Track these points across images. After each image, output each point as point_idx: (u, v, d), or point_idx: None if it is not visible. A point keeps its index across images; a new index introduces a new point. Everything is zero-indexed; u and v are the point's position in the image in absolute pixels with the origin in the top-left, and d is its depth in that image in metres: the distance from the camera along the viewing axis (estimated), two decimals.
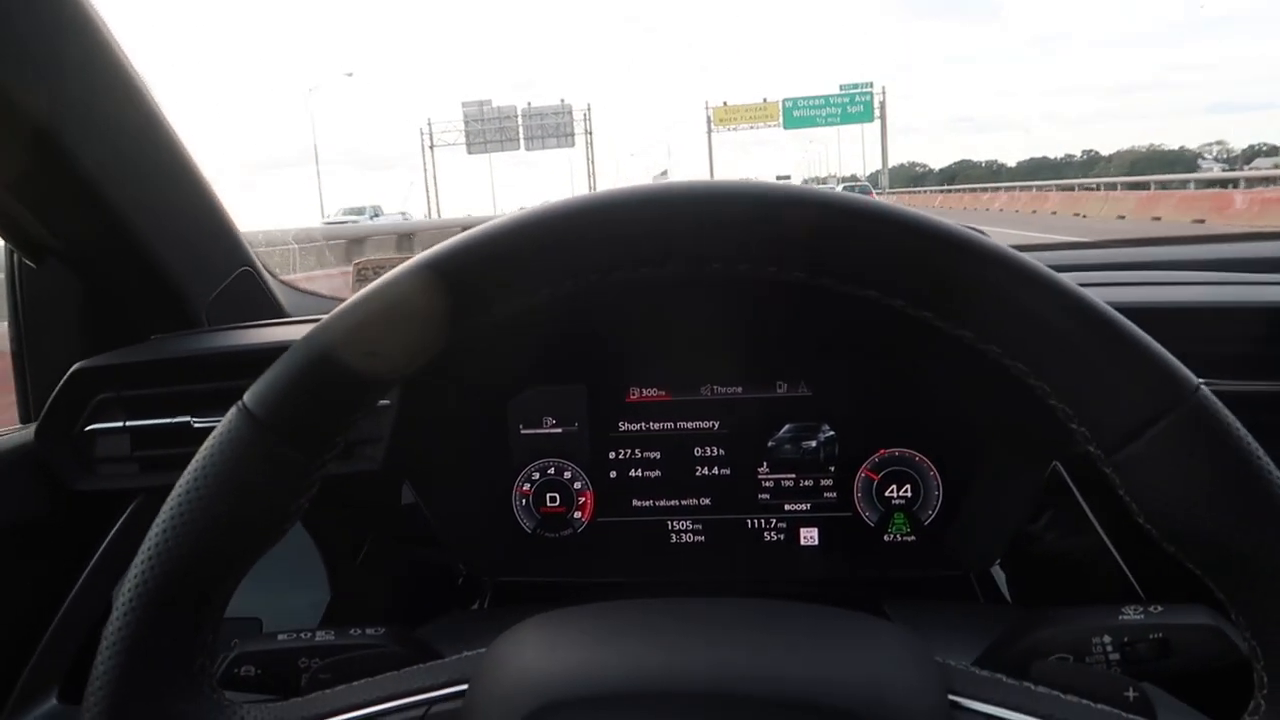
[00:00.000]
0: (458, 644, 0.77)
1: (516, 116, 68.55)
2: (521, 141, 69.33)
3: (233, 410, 0.49)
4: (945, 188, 62.69)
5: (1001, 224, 21.86)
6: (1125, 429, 0.41)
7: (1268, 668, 0.39)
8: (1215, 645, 0.56)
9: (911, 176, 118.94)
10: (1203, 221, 18.11)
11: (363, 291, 0.50)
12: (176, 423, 0.89)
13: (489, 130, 68.73)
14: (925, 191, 61.97)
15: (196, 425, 0.88)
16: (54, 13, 0.83)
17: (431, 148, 71.95)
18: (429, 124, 72.96)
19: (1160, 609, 0.58)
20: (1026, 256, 0.45)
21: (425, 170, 71.99)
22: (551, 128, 68.52)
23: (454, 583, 1.03)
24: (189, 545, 0.47)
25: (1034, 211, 29.22)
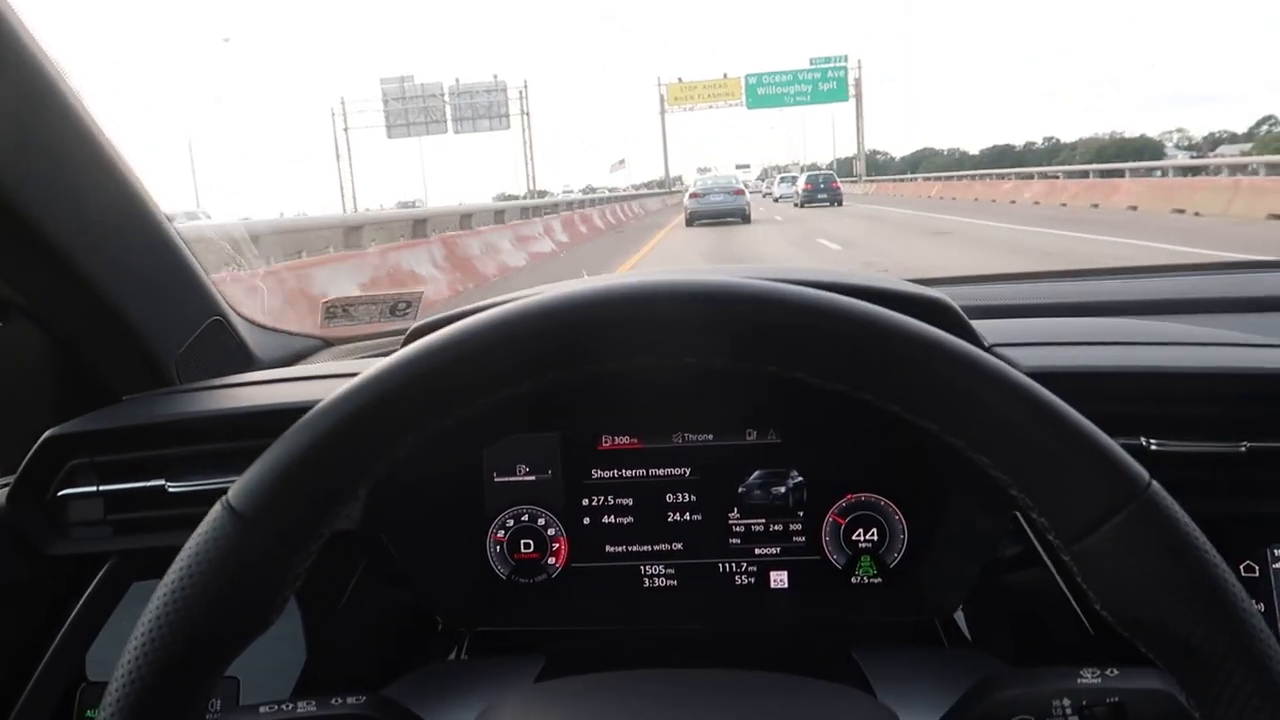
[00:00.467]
0: (438, 702, 0.78)
1: (443, 95, 61.78)
2: (449, 123, 62.63)
3: (217, 506, 0.50)
4: (907, 176, 61.61)
5: (988, 216, 21.59)
6: (1081, 523, 0.44)
7: None
8: (1169, 710, 0.59)
9: (873, 165, 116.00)
10: (1183, 212, 17.89)
11: (344, 388, 0.51)
12: (151, 486, 0.89)
13: (412, 111, 62.03)
14: (910, 179, 59.05)
15: (171, 490, 0.88)
16: (9, 66, 0.83)
17: (345, 130, 66.71)
18: (342, 104, 67.25)
19: (1117, 672, 0.61)
20: (985, 355, 0.48)
21: (339, 157, 66.74)
22: (483, 107, 61.80)
23: (431, 633, 1.04)
24: (176, 641, 0.48)
25: (1013, 202, 28.14)
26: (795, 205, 39.35)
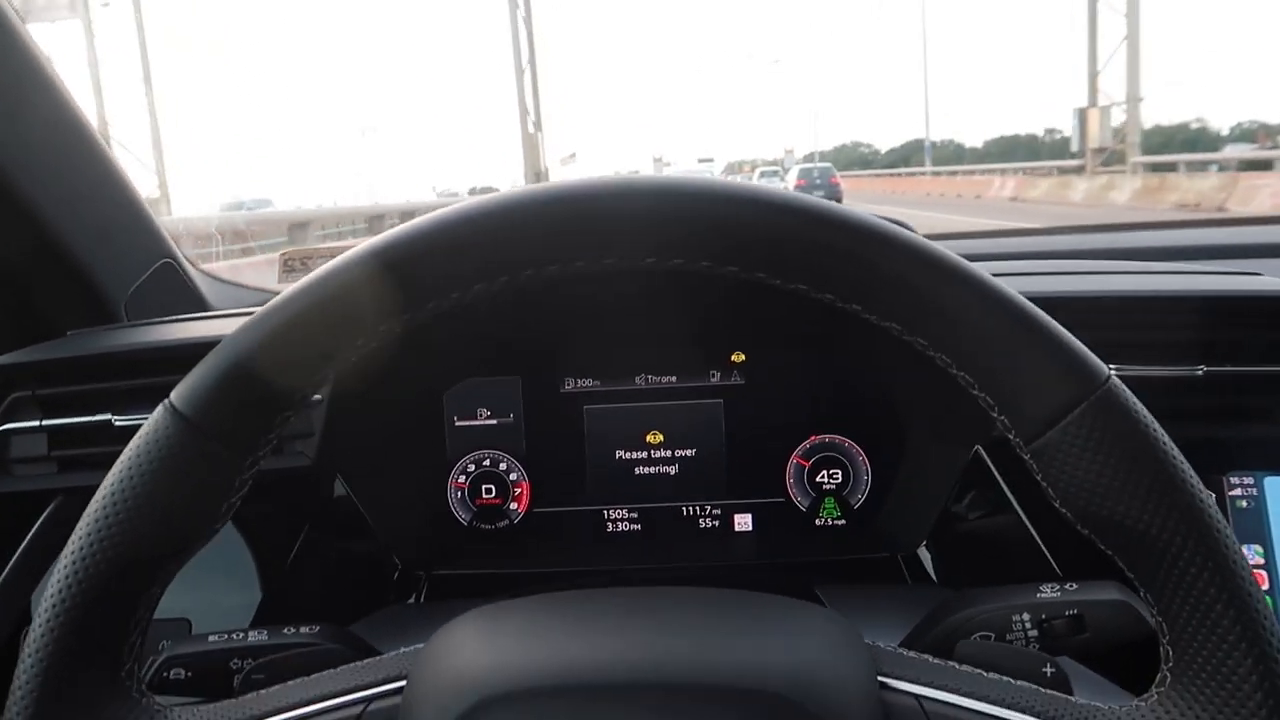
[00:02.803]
0: (394, 639, 0.76)
1: None
2: None
3: (159, 409, 0.48)
4: (895, 171, 56.74)
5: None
6: (1041, 418, 0.43)
7: (1172, 642, 0.41)
8: (1126, 620, 0.59)
9: (857, 158, 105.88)
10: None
11: (293, 287, 0.49)
12: (97, 421, 0.86)
13: None
14: (924, 173, 52.40)
15: (118, 424, 0.85)
16: None
17: None
18: None
19: (1075, 586, 0.61)
20: (946, 250, 0.47)
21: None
22: None
23: (389, 577, 1.02)
24: (116, 547, 0.46)
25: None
26: None
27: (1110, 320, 0.78)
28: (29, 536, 0.92)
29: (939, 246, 0.47)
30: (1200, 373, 0.76)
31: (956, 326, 0.45)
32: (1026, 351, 0.44)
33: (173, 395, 0.48)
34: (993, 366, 0.45)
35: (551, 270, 0.48)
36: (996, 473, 0.85)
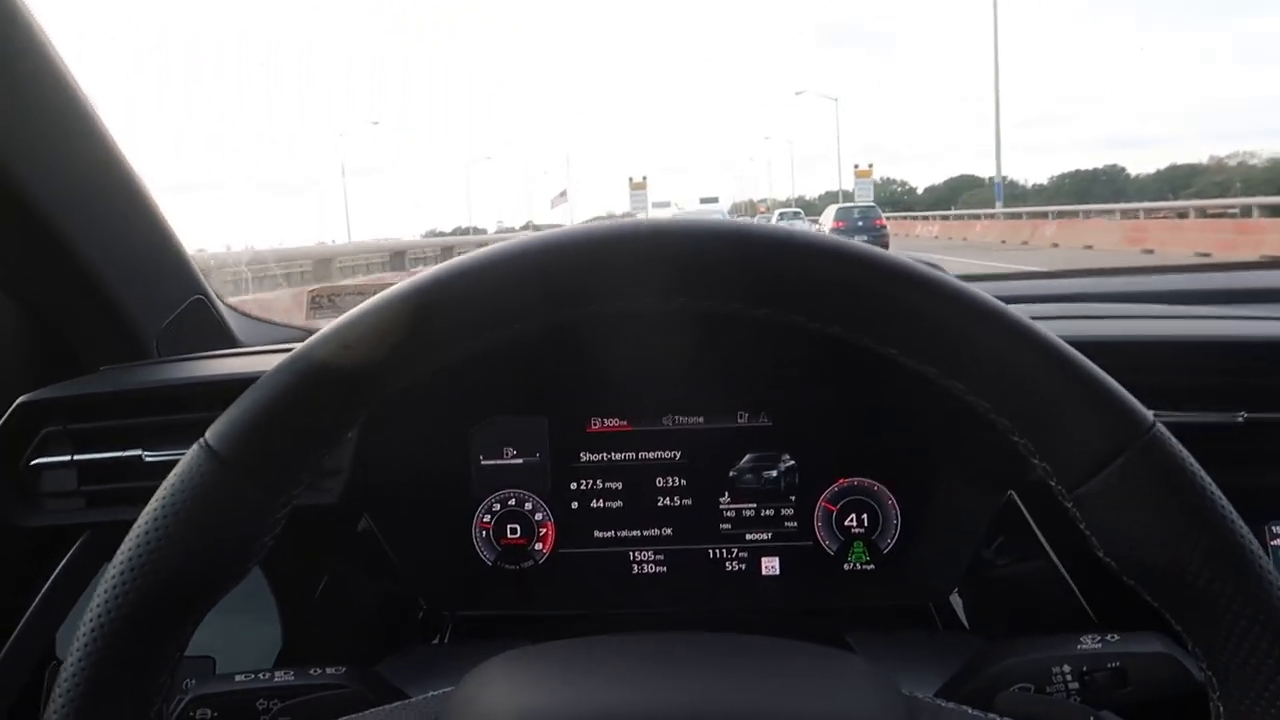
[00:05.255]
0: (420, 681, 0.76)
1: None
2: None
3: (195, 447, 0.48)
4: (948, 212, 48.50)
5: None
6: (1084, 466, 0.43)
7: (1223, 698, 0.40)
8: (1171, 673, 0.57)
9: (888, 197, 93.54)
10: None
11: (329, 326, 0.49)
12: (127, 456, 0.87)
13: None
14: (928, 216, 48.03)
15: (149, 459, 0.86)
16: None
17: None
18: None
19: (1117, 638, 0.59)
20: (985, 293, 0.47)
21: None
22: None
23: (414, 616, 1.02)
24: (148, 586, 0.46)
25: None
26: None
27: (1149, 364, 0.77)
28: (56, 571, 0.92)
29: (977, 289, 0.46)
30: (1241, 419, 0.74)
31: (996, 371, 0.45)
32: (1068, 397, 0.43)
33: (208, 434, 0.48)
34: (1034, 412, 0.44)
35: (589, 311, 0.48)
36: (1030, 518, 0.83)
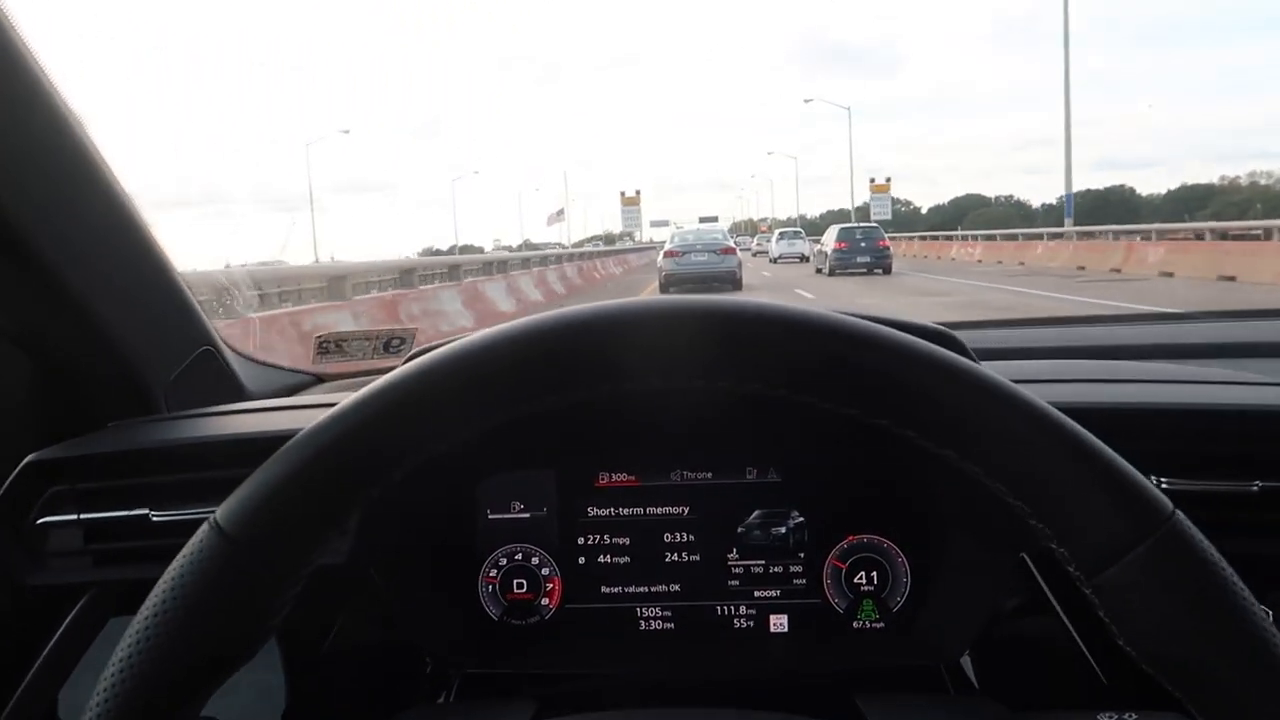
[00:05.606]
0: None
1: None
2: None
3: (204, 527, 0.48)
4: (955, 233, 43.47)
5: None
6: (1102, 554, 0.42)
7: None
8: None
9: (895, 217, 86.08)
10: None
11: (342, 405, 0.49)
12: (134, 515, 0.86)
13: None
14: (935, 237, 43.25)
15: (155, 519, 0.85)
16: (6, 82, 0.81)
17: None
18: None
19: (1135, 716, 0.59)
20: (1004, 378, 0.46)
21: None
22: None
23: (420, 673, 1.01)
24: (158, 666, 0.46)
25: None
26: (821, 272, 26.33)
27: (1160, 431, 0.76)
28: (60, 630, 0.92)
29: (995, 373, 0.46)
30: (1256, 489, 0.74)
31: (1015, 458, 0.45)
32: (1087, 484, 0.43)
33: (218, 513, 0.48)
34: (1051, 498, 0.44)
35: (602, 391, 0.48)
36: (1043, 583, 0.82)
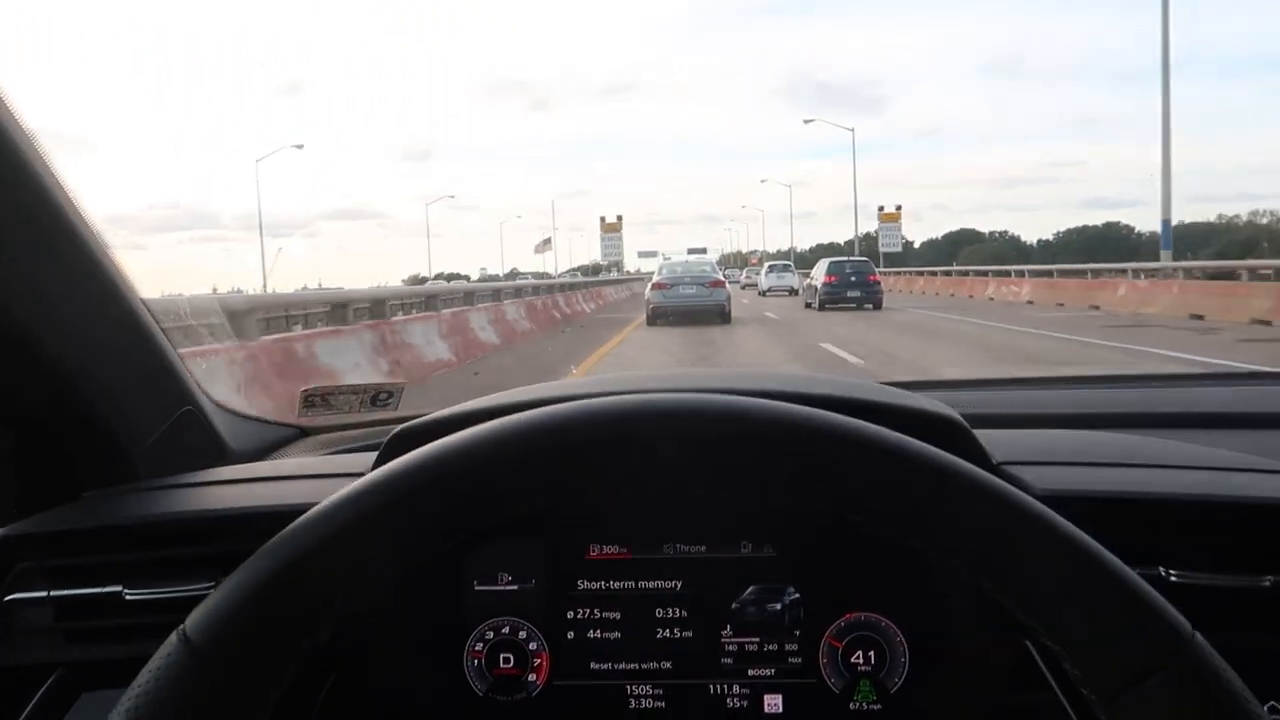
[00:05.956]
0: None
1: None
2: None
3: (173, 638, 0.46)
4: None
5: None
6: (1121, 678, 0.41)
7: None
8: None
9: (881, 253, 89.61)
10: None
11: (317, 509, 0.47)
12: (106, 592, 0.83)
13: None
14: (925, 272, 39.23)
15: (129, 597, 0.82)
16: None
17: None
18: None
19: None
20: (1020, 493, 0.45)
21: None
22: None
23: None
24: None
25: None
26: (811, 306, 25.61)
27: (1167, 522, 0.74)
28: (27, 710, 0.88)
29: (1009, 486, 0.45)
30: (1267, 583, 0.72)
31: (1027, 574, 0.43)
32: (1105, 606, 0.42)
33: (187, 623, 0.46)
34: (1066, 617, 0.43)
35: (587, 496, 0.47)
36: (1049, 674, 0.80)
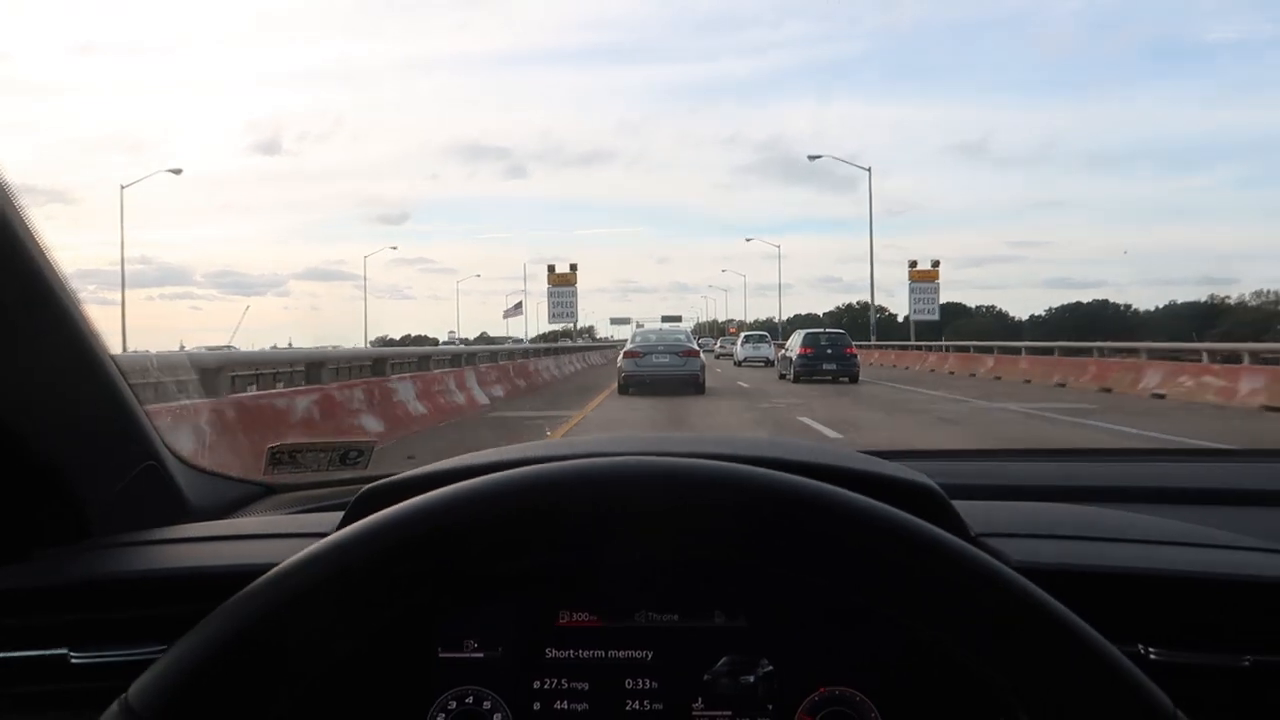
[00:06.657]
0: None
1: None
2: None
3: (114, 706, 0.43)
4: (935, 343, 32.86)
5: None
6: None
7: None
8: None
9: (865, 327, 79.37)
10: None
11: (269, 575, 0.45)
12: (51, 655, 0.79)
13: None
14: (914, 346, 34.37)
15: (75, 660, 0.79)
16: None
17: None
18: None
19: None
20: (1005, 568, 0.44)
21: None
22: None
23: None
24: None
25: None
26: (785, 378, 24.81)
27: (1146, 598, 0.73)
28: None
29: (995, 561, 0.44)
30: (1247, 663, 0.71)
31: (1008, 649, 0.43)
32: (1086, 682, 0.41)
33: (130, 692, 0.44)
34: (1046, 693, 0.42)
35: (559, 559, 0.45)
36: None
